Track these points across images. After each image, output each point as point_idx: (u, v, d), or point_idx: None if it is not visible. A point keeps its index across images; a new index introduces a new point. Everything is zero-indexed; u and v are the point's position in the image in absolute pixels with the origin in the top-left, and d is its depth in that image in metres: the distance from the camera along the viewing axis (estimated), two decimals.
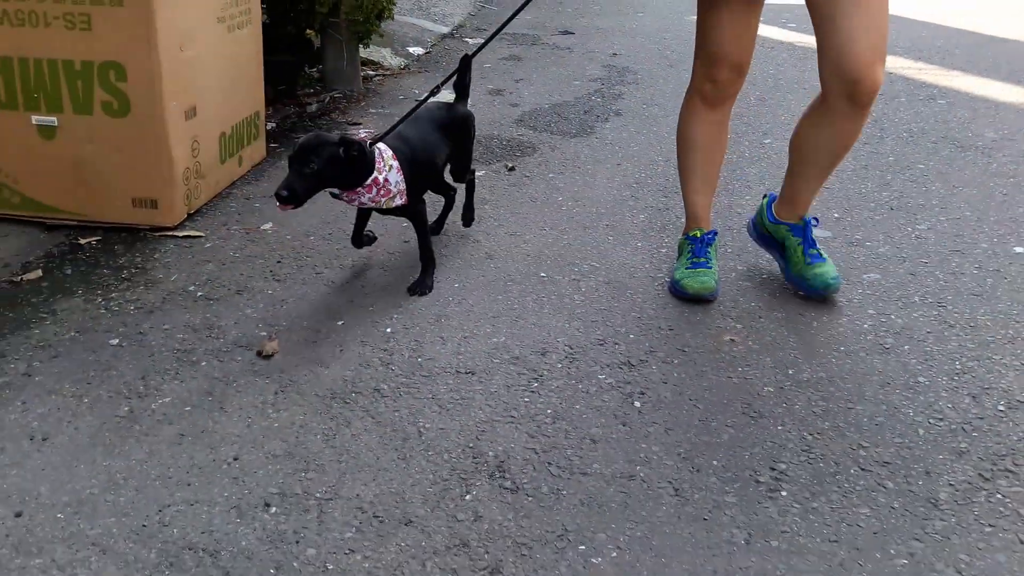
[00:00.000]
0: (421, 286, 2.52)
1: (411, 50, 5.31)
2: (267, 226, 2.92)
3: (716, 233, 2.60)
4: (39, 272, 2.59)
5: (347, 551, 1.59)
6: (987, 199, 3.19)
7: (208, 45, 2.93)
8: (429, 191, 2.66)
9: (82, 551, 1.59)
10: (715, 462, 1.82)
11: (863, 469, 1.81)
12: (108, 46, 2.63)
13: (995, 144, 3.76)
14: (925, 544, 1.61)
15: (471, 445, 1.87)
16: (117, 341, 2.23)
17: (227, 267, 2.64)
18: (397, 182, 2.37)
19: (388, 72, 4.89)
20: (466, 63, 2.63)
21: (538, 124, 4.04)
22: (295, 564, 1.56)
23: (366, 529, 1.64)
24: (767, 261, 2.70)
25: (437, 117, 2.62)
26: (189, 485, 1.75)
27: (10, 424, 1.93)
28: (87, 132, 2.73)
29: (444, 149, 2.63)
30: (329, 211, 2.98)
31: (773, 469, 1.80)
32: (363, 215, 2.61)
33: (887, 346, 2.25)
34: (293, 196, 2.17)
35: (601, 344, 2.25)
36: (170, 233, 2.83)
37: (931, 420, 1.96)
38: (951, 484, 1.76)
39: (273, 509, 1.69)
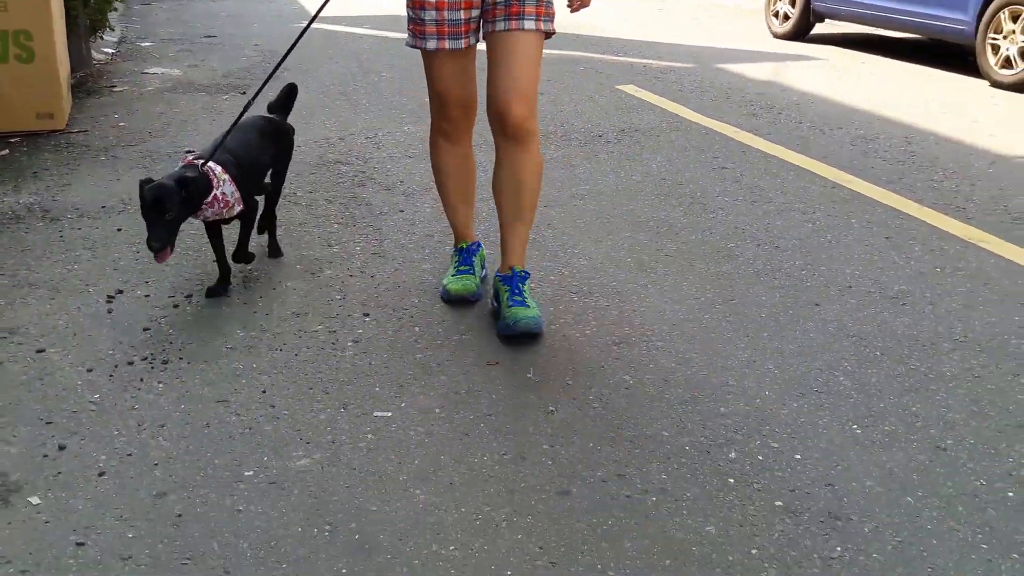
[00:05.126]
0: (243, 255, 3.01)
1: (105, 50, 7.18)
2: (120, 123, 4.94)
3: (480, 244, 3.02)
4: (6, 151, 4.40)
5: None
6: None
7: (59, 22, 4.86)
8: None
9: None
10: None
11: None
12: (21, 19, 4.51)
13: None
14: None
15: None
16: (105, 158, 4.25)
17: (111, 135, 4.68)
18: (232, 192, 2.80)
19: (100, 61, 6.76)
20: (292, 88, 3.31)
21: (241, 81, 6.29)
22: None
23: None
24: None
25: (260, 126, 3.12)
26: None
27: (92, 195, 3.94)
28: (6, 74, 4.55)
29: (268, 153, 3.11)
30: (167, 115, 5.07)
31: None
32: (215, 233, 2.94)
33: None
34: (163, 245, 2.61)
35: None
36: (64, 132, 4.73)
37: None
38: None
39: None
